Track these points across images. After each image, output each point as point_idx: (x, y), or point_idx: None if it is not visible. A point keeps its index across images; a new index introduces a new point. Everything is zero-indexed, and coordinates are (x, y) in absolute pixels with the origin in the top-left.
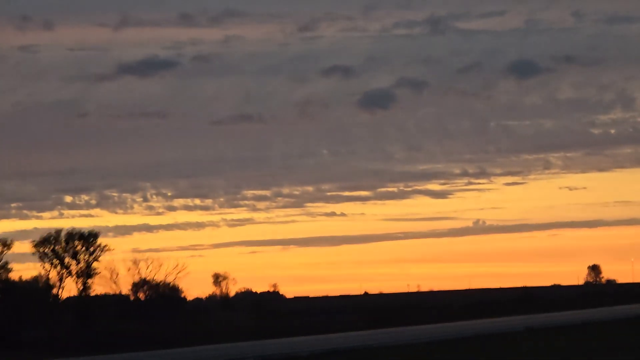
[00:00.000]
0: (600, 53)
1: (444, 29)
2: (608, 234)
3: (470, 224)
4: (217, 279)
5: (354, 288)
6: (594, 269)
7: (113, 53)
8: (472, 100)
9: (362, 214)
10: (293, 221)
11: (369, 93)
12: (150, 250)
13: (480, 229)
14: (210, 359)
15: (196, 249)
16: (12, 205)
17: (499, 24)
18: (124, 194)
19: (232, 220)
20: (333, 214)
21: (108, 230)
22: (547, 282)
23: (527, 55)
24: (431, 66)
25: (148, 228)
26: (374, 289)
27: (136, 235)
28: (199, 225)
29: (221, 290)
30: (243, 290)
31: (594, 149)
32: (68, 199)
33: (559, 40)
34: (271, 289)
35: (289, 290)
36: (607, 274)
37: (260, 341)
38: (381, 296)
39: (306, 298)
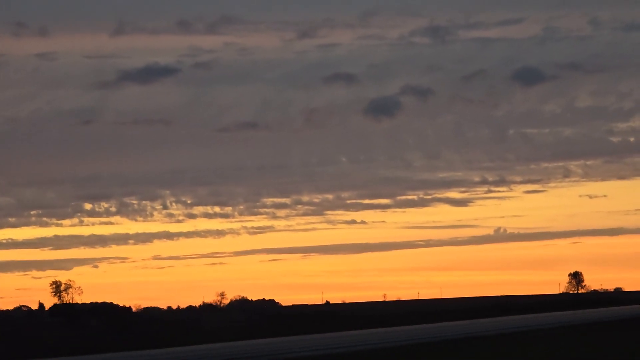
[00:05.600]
0: (618, 61)
1: (462, 37)
2: (630, 242)
3: (491, 232)
4: (58, 288)
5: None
6: (575, 277)
7: (127, 61)
8: (491, 108)
9: (383, 221)
10: (313, 229)
11: (384, 101)
12: (171, 257)
13: (501, 237)
14: None
15: (217, 257)
16: (32, 212)
17: (516, 31)
18: (144, 202)
19: (253, 228)
20: (353, 221)
21: (128, 237)
22: (559, 290)
23: (545, 63)
24: (447, 74)
25: (168, 235)
26: (396, 296)
27: (157, 242)
28: (220, 233)
29: (62, 300)
30: (238, 298)
31: (614, 157)
32: (88, 206)
33: (577, 48)
34: (218, 298)
35: (310, 298)
36: (623, 282)
37: None
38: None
39: (305, 306)
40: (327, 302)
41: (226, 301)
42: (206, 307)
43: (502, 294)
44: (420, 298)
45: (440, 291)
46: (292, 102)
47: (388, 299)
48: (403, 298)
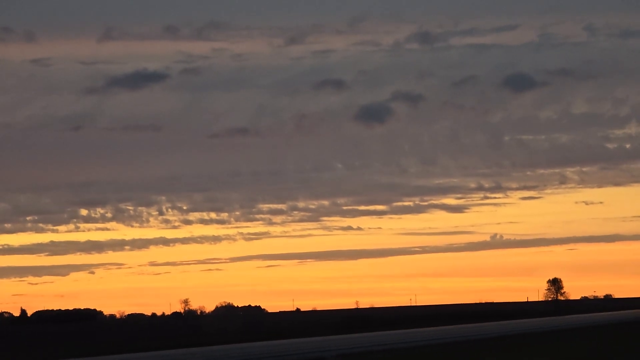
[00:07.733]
0: (613, 67)
1: (455, 44)
2: (626, 249)
3: (487, 238)
4: None
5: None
6: (555, 283)
7: (122, 66)
8: (486, 114)
9: (379, 228)
10: (309, 235)
11: (376, 107)
12: (167, 263)
13: (497, 243)
14: None
15: (213, 263)
16: (28, 218)
17: (511, 38)
18: (140, 207)
19: (249, 234)
20: (349, 228)
21: (124, 243)
22: (539, 297)
23: (540, 70)
24: (440, 81)
25: (165, 241)
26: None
27: (153, 248)
28: (216, 239)
29: None
30: (224, 305)
31: (610, 163)
32: (83, 212)
33: (572, 54)
34: (183, 306)
35: (305, 304)
36: (617, 289)
37: None
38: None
39: (290, 312)
40: (298, 309)
41: (191, 308)
42: (189, 313)
43: (497, 301)
44: (411, 304)
45: (416, 298)
46: (284, 108)
47: (361, 305)
48: (398, 304)
